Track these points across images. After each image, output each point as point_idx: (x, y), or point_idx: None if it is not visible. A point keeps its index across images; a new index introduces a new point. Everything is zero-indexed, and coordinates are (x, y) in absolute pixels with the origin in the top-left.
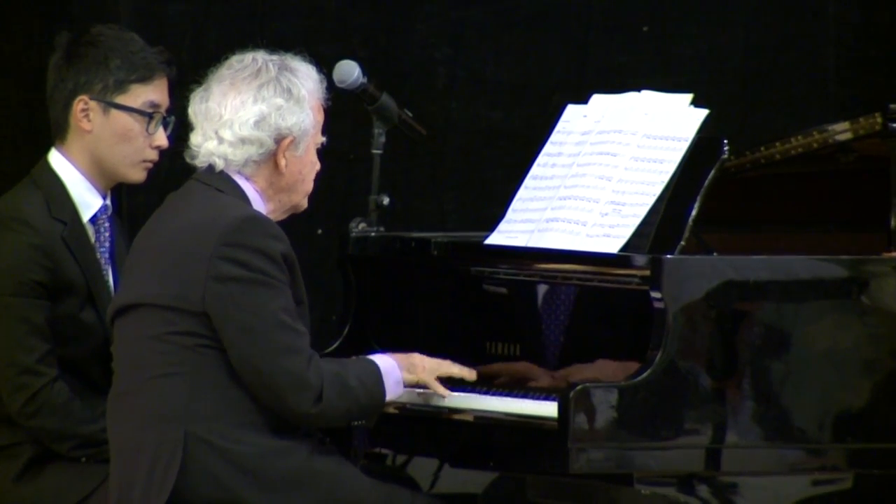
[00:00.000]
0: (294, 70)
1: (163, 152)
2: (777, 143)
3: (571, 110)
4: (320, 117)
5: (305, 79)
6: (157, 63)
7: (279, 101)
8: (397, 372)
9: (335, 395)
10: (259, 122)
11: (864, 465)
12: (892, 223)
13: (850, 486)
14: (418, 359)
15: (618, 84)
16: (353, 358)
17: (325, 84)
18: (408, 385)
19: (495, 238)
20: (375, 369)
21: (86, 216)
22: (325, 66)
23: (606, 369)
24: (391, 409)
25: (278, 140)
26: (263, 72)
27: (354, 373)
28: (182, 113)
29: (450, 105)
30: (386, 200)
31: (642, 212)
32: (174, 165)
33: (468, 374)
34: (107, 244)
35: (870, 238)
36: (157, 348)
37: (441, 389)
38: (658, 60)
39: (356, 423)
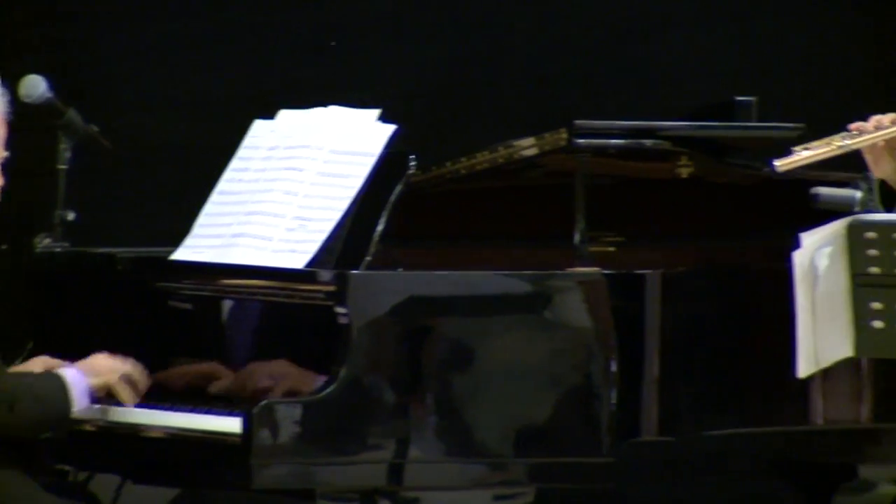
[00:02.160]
0: None
1: None
2: (463, 159)
3: (259, 126)
4: (3, 132)
5: None
6: None
7: None
8: (84, 381)
9: (24, 406)
10: None
11: (546, 480)
12: (577, 238)
13: (531, 500)
14: (101, 360)
15: (305, 99)
16: (39, 371)
17: (8, 98)
18: (96, 389)
19: (181, 253)
20: (61, 381)
21: None
22: (9, 81)
23: (295, 376)
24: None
25: None
26: None
27: (41, 384)
28: None
29: (138, 120)
30: (71, 216)
31: (328, 227)
32: None
33: (142, 383)
34: None
35: (557, 253)
36: None
37: (125, 394)
38: (346, 75)
39: (45, 435)
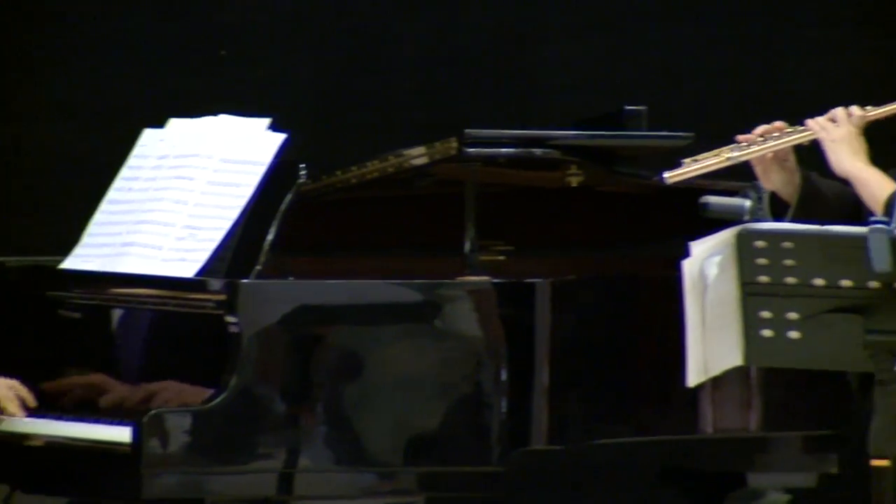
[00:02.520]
0: None
1: None
2: (353, 168)
3: (148, 135)
4: None
5: None
6: None
7: None
8: None
9: None
10: None
11: (436, 489)
12: (467, 247)
13: None
14: None
15: (196, 109)
16: None
17: None
18: None
19: (70, 262)
20: None
21: None
22: None
23: (185, 393)
24: None
25: None
26: None
27: None
28: None
29: (27, 128)
30: None
31: (218, 236)
32: None
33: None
34: None
35: (447, 262)
36: None
37: (12, 405)
38: (236, 85)
39: None
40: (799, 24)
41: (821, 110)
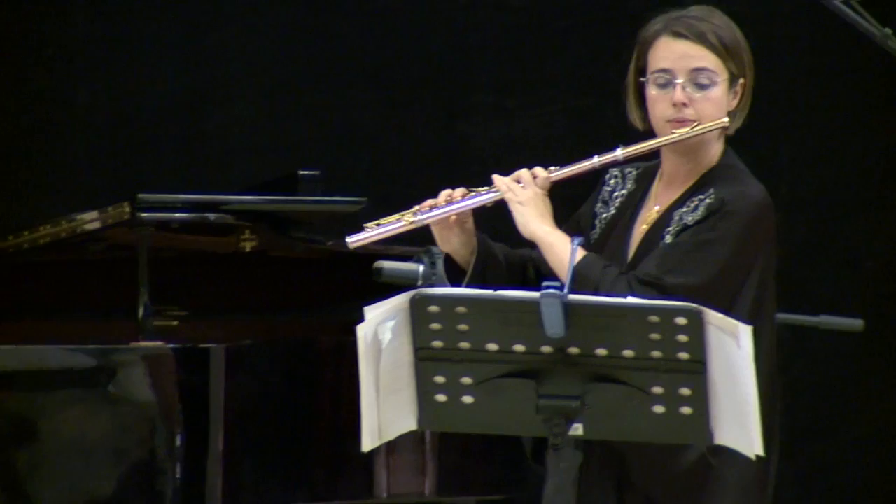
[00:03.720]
0: None
1: None
2: (25, 233)
3: None
4: None
5: None
6: None
7: None
8: None
9: None
10: None
11: None
12: (141, 312)
13: None
14: None
15: None
16: None
17: None
18: None
19: None
20: None
21: None
22: None
23: None
24: None
25: None
26: None
27: None
28: None
29: None
30: None
31: None
32: None
33: None
34: None
35: (122, 327)
36: None
37: None
38: None
39: None
40: (474, 89)
41: (504, 173)
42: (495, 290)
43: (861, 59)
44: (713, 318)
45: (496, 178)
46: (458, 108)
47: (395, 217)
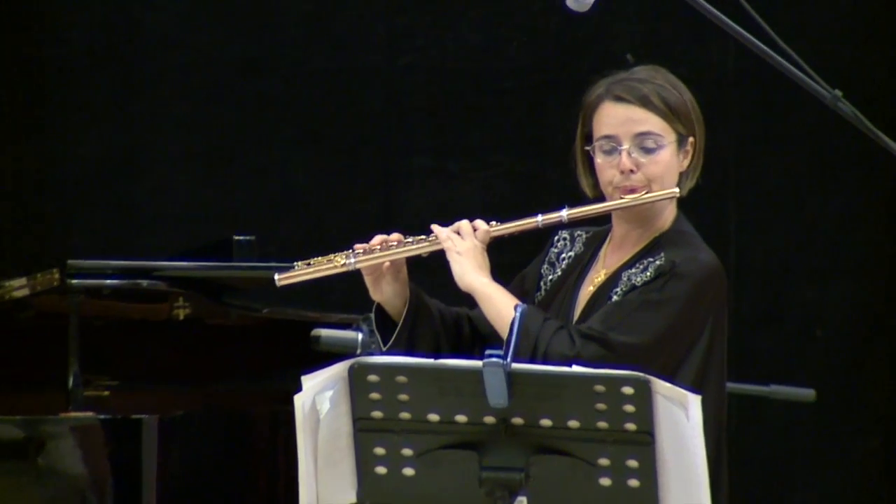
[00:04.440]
0: None
1: None
2: None
3: None
4: None
5: None
6: None
7: None
8: None
9: None
10: None
11: None
12: (71, 382)
13: None
14: None
15: None
16: None
17: None
18: None
19: None
20: None
21: None
22: None
23: None
24: None
25: None
26: None
27: None
28: None
29: None
30: None
31: None
32: None
33: None
34: None
35: (51, 397)
36: None
37: None
38: None
39: None
40: (413, 152)
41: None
42: (436, 358)
43: (811, 123)
44: (661, 387)
45: (436, 227)
46: (396, 172)
47: (326, 258)
